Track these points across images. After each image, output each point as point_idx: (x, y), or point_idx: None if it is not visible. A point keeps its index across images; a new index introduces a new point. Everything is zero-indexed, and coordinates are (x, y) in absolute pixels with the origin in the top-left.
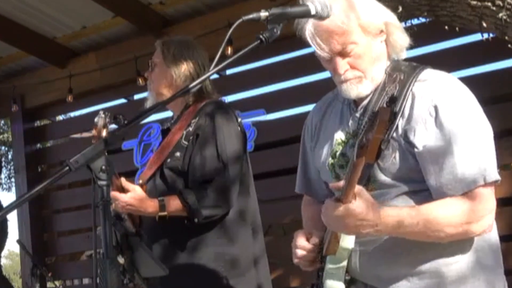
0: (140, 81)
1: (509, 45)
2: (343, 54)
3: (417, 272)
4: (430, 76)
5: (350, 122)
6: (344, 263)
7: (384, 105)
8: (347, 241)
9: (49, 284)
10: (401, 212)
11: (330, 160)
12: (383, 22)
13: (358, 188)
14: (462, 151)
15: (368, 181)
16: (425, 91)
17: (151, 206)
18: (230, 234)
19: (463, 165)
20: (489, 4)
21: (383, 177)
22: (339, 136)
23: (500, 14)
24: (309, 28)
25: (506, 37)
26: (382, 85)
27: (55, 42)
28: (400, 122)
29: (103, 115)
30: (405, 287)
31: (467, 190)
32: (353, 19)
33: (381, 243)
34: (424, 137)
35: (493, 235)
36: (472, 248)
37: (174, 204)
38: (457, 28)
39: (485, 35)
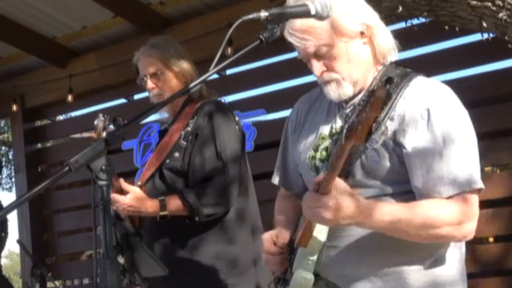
0: None
1: (509, 45)
2: (317, 56)
3: (381, 274)
4: (422, 82)
5: (338, 118)
6: (315, 257)
7: (380, 84)
8: (320, 234)
9: (49, 284)
10: (383, 205)
11: (312, 153)
12: (362, 24)
13: (336, 180)
14: (452, 156)
15: (346, 177)
16: (417, 95)
17: (152, 206)
18: (230, 234)
19: (452, 169)
20: (489, 4)
21: (362, 176)
22: (324, 130)
23: (500, 14)
24: (286, 31)
25: (506, 37)
26: (377, 82)
27: (55, 42)
28: (389, 123)
29: (102, 118)
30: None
31: (453, 193)
32: (325, 21)
33: (349, 240)
34: (414, 139)
35: (463, 248)
36: (439, 257)
37: (175, 203)
38: (457, 28)
39: (485, 35)
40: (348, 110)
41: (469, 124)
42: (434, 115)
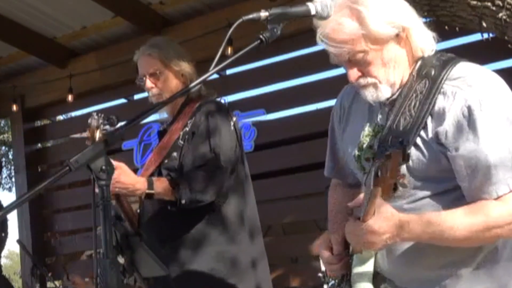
0: None
1: (509, 45)
2: (352, 62)
3: (438, 273)
4: (462, 73)
5: (379, 115)
6: (371, 262)
7: (396, 148)
8: None
9: (49, 284)
10: (425, 221)
11: (357, 152)
12: (398, 27)
13: (378, 203)
14: (497, 155)
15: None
16: (457, 90)
17: (139, 182)
18: (231, 234)
19: (498, 169)
20: (489, 4)
21: (411, 178)
22: (367, 128)
23: (500, 14)
24: (318, 37)
25: (506, 37)
26: (411, 81)
27: (55, 42)
28: (430, 122)
29: (96, 117)
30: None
31: (502, 194)
32: (359, 28)
33: (404, 243)
34: (456, 140)
35: None
36: (493, 249)
37: (163, 184)
38: (457, 28)
39: (485, 35)
40: (387, 108)
41: None
42: (476, 113)
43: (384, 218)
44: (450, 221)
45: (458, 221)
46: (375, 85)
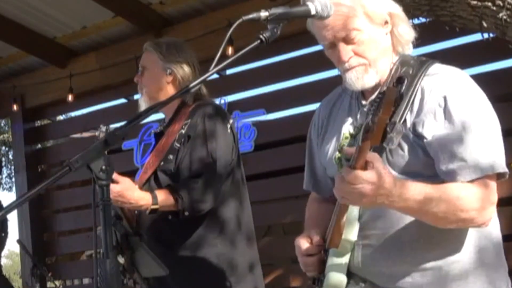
0: None
1: (510, 45)
2: (347, 40)
3: (420, 268)
4: (439, 70)
5: (358, 116)
6: (347, 257)
7: (391, 85)
8: (350, 234)
9: (49, 284)
10: (415, 184)
11: (337, 154)
12: (388, 13)
13: (371, 155)
14: (473, 139)
15: None
16: (434, 85)
17: (143, 198)
18: (228, 237)
19: (474, 153)
20: (489, 4)
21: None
22: (347, 129)
23: (500, 14)
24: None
25: (506, 37)
26: (390, 79)
27: (55, 42)
28: (409, 116)
29: (103, 129)
30: (407, 283)
31: (476, 177)
32: (357, 5)
33: (385, 238)
34: (433, 128)
35: (495, 233)
36: (476, 246)
37: (165, 196)
38: (457, 28)
39: (485, 35)
40: (366, 108)
41: (489, 108)
42: (451, 102)
43: (378, 170)
44: (440, 192)
45: (438, 195)
46: (365, 67)
